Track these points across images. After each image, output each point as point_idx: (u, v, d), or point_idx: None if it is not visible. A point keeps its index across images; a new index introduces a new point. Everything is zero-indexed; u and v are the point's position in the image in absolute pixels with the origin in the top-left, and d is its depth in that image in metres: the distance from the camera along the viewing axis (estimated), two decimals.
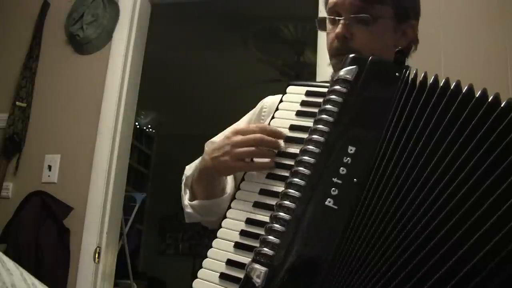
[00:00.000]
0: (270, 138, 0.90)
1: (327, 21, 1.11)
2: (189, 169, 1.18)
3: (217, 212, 1.08)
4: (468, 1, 2.17)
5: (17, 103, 2.47)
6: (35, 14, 2.63)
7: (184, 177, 1.18)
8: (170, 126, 5.88)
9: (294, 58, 4.34)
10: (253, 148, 0.91)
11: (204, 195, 1.10)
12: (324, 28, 1.13)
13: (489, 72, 2.01)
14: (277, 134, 0.90)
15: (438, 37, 2.06)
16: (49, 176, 2.40)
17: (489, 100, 0.79)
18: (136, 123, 5.47)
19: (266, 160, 0.89)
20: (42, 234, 2.26)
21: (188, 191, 1.15)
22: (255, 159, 0.91)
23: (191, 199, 1.13)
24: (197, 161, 1.16)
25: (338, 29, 1.06)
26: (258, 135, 0.91)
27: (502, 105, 0.78)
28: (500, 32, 2.06)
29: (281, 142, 0.89)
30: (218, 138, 1.23)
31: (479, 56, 2.06)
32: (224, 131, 1.26)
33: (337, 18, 1.07)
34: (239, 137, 0.93)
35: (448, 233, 0.73)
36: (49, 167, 2.41)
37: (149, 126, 6.01)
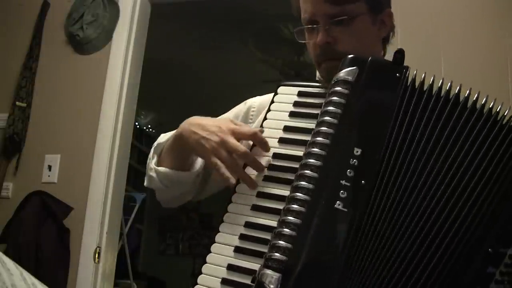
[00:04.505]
0: (255, 159, 0.89)
1: (305, 31, 1.11)
2: (163, 137, 1.16)
3: (178, 187, 1.08)
4: (468, 1, 2.17)
5: (17, 103, 2.47)
6: (35, 14, 2.63)
7: (156, 143, 1.17)
8: (170, 126, 5.82)
9: (294, 58, 4.34)
10: (234, 160, 0.91)
11: (172, 165, 1.08)
12: (303, 39, 1.12)
13: (489, 73, 2.01)
14: (265, 146, 0.90)
15: (438, 37, 2.06)
16: (49, 176, 2.40)
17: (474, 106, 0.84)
18: (136, 123, 5.46)
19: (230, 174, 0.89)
20: (42, 234, 2.26)
21: (155, 157, 1.14)
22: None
23: (157, 165, 1.12)
24: (173, 132, 1.14)
25: (319, 37, 1.05)
26: (244, 151, 0.90)
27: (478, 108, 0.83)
28: (500, 32, 2.06)
29: (267, 160, 0.89)
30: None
31: (479, 56, 2.06)
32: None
33: (315, 26, 1.07)
34: (231, 140, 0.92)
35: (442, 225, 0.78)
36: (49, 167, 2.40)
37: (149, 126, 6.00)
